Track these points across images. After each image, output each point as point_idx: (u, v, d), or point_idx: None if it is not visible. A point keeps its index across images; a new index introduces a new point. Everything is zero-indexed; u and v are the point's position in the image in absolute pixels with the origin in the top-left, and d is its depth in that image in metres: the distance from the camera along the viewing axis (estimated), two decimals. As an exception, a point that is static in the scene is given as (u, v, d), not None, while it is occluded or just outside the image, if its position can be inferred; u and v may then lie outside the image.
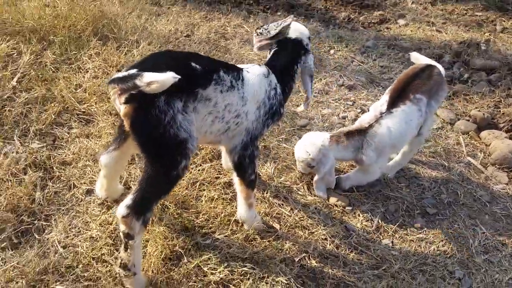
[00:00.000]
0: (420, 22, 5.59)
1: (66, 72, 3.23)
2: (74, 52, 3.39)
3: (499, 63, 4.53)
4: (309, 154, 2.63)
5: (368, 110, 3.62)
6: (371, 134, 2.68)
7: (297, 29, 2.42)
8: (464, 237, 2.66)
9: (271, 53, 2.41)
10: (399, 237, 2.61)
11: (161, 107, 1.76)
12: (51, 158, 2.65)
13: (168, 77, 1.68)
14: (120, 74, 1.75)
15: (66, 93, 3.01)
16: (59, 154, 2.68)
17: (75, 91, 3.08)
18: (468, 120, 3.77)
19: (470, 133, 3.65)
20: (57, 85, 3.08)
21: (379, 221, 2.69)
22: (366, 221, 2.68)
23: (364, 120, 2.78)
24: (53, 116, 2.88)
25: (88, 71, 3.27)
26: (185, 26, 4.55)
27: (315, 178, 2.75)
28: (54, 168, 2.60)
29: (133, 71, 1.75)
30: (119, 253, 2.01)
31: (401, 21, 5.62)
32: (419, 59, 3.07)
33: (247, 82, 2.13)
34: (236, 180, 2.31)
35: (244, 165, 2.23)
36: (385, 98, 2.80)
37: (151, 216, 1.96)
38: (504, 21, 5.79)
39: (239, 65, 2.25)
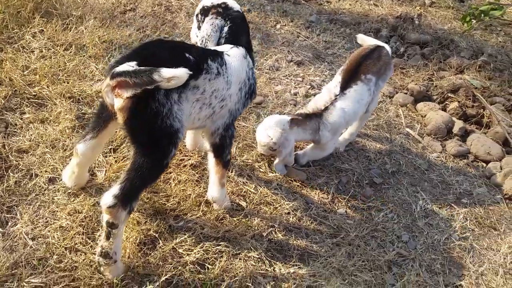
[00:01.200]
0: (358, -4, 5.81)
1: (11, 53, 3.03)
2: (16, 30, 3.17)
3: (431, 37, 4.90)
4: (272, 139, 2.72)
5: (318, 88, 3.83)
6: (327, 116, 2.85)
7: (233, 2, 2.46)
8: (408, 203, 2.97)
9: (227, 31, 2.42)
10: (351, 206, 2.86)
11: (160, 100, 1.79)
12: (6, 146, 2.53)
13: (183, 73, 1.71)
14: (127, 68, 1.72)
15: (14, 75, 2.84)
16: (14, 142, 2.57)
17: (23, 73, 2.92)
18: (406, 93, 4.09)
19: (407, 105, 3.97)
20: (2, 67, 2.90)
21: (334, 192, 2.91)
22: (323, 193, 2.89)
23: (319, 102, 2.92)
24: (2, 101, 2.73)
25: (34, 51, 3.09)
26: (128, -1, 4.37)
27: (276, 160, 2.89)
28: (10, 156, 2.50)
29: (133, 63, 1.74)
30: (98, 242, 2.02)
31: (341, -5, 5.80)
32: (366, 41, 3.26)
33: (229, 66, 2.19)
34: (212, 160, 2.38)
35: (224, 145, 2.32)
36: (337, 79, 2.96)
37: (136, 205, 1.99)
38: (432, -5, 6.18)
39: (215, 48, 2.28)
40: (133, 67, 1.73)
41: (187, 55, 1.96)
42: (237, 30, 2.39)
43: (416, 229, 2.78)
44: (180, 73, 1.72)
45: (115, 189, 1.88)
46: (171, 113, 1.85)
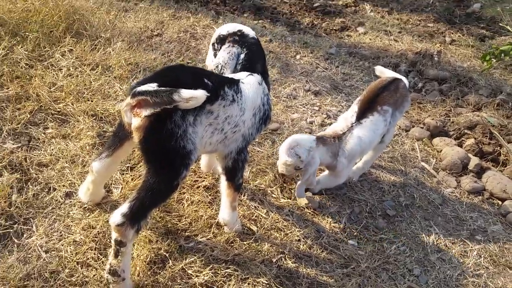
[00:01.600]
0: (378, 31, 5.91)
1: (40, 70, 3.17)
2: (46, 48, 3.33)
3: (450, 74, 4.92)
4: (299, 157, 2.68)
5: (334, 117, 3.87)
6: (345, 143, 2.88)
7: (248, 29, 2.54)
8: (420, 237, 2.94)
9: (243, 58, 2.49)
10: (363, 237, 2.84)
11: (176, 121, 1.85)
12: (27, 159, 2.62)
13: (202, 95, 1.79)
14: (147, 88, 1.79)
15: (41, 91, 2.97)
16: (35, 155, 2.66)
17: (49, 90, 3.04)
18: (422, 128, 4.09)
19: (423, 139, 3.97)
20: (31, 83, 3.03)
21: (346, 222, 2.90)
22: (334, 222, 2.88)
23: (336, 129, 2.96)
24: (27, 116, 2.84)
25: (62, 69, 3.23)
26: (155, 24, 4.55)
27: (300, 181, 2.85)
28: (31, 169, 2.58)
29: (154, 85, 1.81)
30: (108, 259, 2.05)
31: (361, 29, 5.92)
32: (384, 73, 3.31)
33: (244, 93, 2.25)
34: (224, 184, 2.41)
35: (237, 169, 2.35)
36: (354, 109, 3.01)
37: (145, 224, 2.02)
38: (452, 33, 6.25)
39: (232, 76, 2.35)
40: (153, 88, 1.81)
41: (205, 80, 2.02)
42: (253, 57, 2.46)
43: (428, 264, 2.74)
44: (199, 94, 1.79)
45: (124, 207, 1.91)
46: (186, 135, 1.90)
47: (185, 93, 1.76)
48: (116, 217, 1.90)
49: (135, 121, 1.84)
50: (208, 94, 1.82)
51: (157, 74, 2.01)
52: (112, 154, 2.20)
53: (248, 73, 2.41)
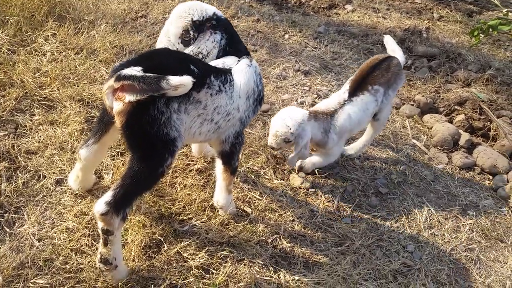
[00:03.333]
0: (366, 8, 5.85)
1: (23, 55, 3.08)
2: (29, 33, 3.23)
3: (439, 50, 4.91)
4: (290, 128, 2.65)
5: (325, 97, 3.84)
6: (335, 118, 2.86)
7: (214, 9, 2.37)
8: (413, 213, 2.96)
9: (225, 43, 2.37)
10: (357, 215, 2.85)
11: (160, 108, 1.80)
12: (15, 147, 2.56)
13: (189, 82, 1.73)
14: (133, 72, 1.73)
15: (25, 77, 2.89)
16: (23, 143, 2.60)
17: (34, 76, 2.96)
18: (412, 105, 4.09)
19: (414, 117, 3.97)
20: (15, 69, 2.94)
21: (339, 201, 2.91)
22: (328, 201, 2.89)
23: (328, 105, 2.94)
24: (13, 102, 2.77)
25: (45, 54, 3.14)
26: (139, 6, 4.44)
27: (292, 154, 2.81)
28: (19, 157, 2.53)
29: (138, 69, 1.75)
30: (98, 248, 2.03)
31: (349, 7, 5.85)
32: (388, 43, 3.29)
33: (236, 81, 2.20)
34: (220, 167, 2.38)
35: (234, 152, 2.32)
36: (346, 87, 2.99)
37: (130, 211, 1.99)
38: (440, 9, 6.21)
39: (219, 60, 2.28)
40: (138, 72, 1.74)
41: (192, 67, 1.96)
42: (234, 40, 2.39)
43: (421, 240, 2.77)
44: (186, 81, 1.74)
45: (108, 195, 1.86)
46: (169, 122, 1.85)
47: (174, 80, 1.70)
48: (100, 205, 1.85)
49: (117, 105, 1.78)
50: (194, 80, 1.77)
51: (141, 57, 1.94)
52: (99, 140, 2.14)
53: (236, 58, 2.35)
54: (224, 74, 2.17)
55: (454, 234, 2.86)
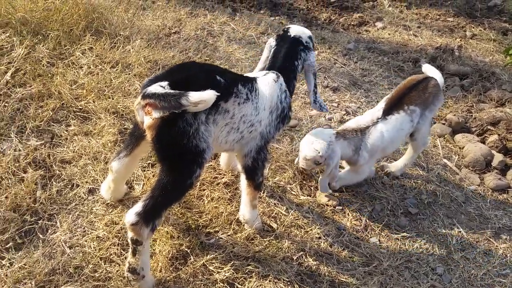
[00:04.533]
0: (396, 26, 5.82)
1: (61, 68, 3.20)
2: (67, 47, 3.36)
3: (471, 69, 4.82)
4: (318, 152, 2.65)
5: (353, 114, 3.83)
6: (368, 137, 2.84)
7: (297, 29, 2.56)
8: (443, 235, 2.89)
9: (271, 53, 2.51)
10: (385, 235, 2.80)
11: (188, 120, 1.84)
12: (51, 156, 2.65)
13: (211, 96, 1.75)
14: (158, 90, 1.77)
15: (62, 89, 3.00)
16: (58, 152, 2.69)
17: (71, 88, 3.07)
18: (444, 124, 4.02)
19: (445, 136, 3.90)
20: (53, 80, 3.06)
21: (367, 220, 2.87)
22: (355, 220, 2.85)
23: (360, 122, 2.93)
24: (50, 113, 2.87)
25: (82, 67, 3.26)
26: (172, 22, 4.56)
27: (322, 176, 2.81)
28: (54, 166, 2.61)
29: (165, 84, 1.80)
30: (127, 257, 2.06)
31: (379, 24, 5.84)
32: (427, 70, 3.27)
33: (261, 92, 2.23)
34: (244, 182, 2.40)
35: (256, 168, 2.33)
36: (381, 105, 2.98)
37: (160, 223, 2.01)
38: (473, 27, 6.12)
39: (249, 74, 2.34)
40: (164, 87, 1.78)
41: (218, 78, 2.00)
42: (277, 53, 2.45)
43: (451, 262, 2.69)
44: (208, 96, 1.75)
45: (138, 206, 1.90)
46: (198, 134, 1.88)
47: (193, 97, 1.72)
48: (130, 216, 1.89)
49: (147, 119, 1.83)
50: (218, 94, 1.78)
51: (168, 72, 1.99)
52: (131, 153, 2.20)
53: (265, 71, 2.40)
54: (251, 82, 2.20)
55: (486, 258, 2.77)
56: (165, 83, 1.81)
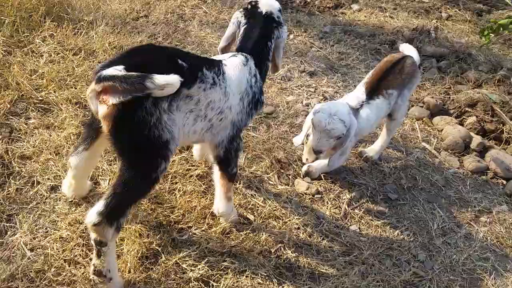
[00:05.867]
0: (372, 8, 5.72)
1: (19, 56, 2.99)
2: (26, 34, 3.13)
3: (448, 51, 4.77)
4: (344, 122, 2.48)
5: (331, 99, 3.73)
6: (358, 117, 2.76)
7: (266, 3, 2.35)
8: (424, 220, 2.83)
9: (241, 32, 2.33)
10: (365, 222, 2.73)
11: (148, 109, 1.67)
12: (9, 152, 2.46)
13: (177, 81, 1.60)
14: (114, 72, 1.60)
15: (21, 79, 2.79)
16: (17, 148, 2.50)
17: (30, 78, 2.86)
18: (422, 107, 3.96)
19: (423, 119, 3.84)
20: (10, 70, 2.85)
21: (346, 208, 2.78)
22: (334, 208, 2.76)
23: (352, 102, 2.82)
24: (8, 105, 2.67)
25: (43, 55, 3.05)
26: (141, 6, 4.34)
27: (337, 150, 2.65)
28: (13, 162, 2.43)
29: (120, 67, 1.62)
30: (91, 259, 1.92)
31: (355, 6, 5.72)
32: (405, 49, 3.19)
33: (228, 75, 2.07)
34: (217, 174, 2.26)
35: (229, 159, 2.19)
36: (362, 88, 2.90)
37: (124, 221, 1.87)
38: (448, 8, 6.07)
39: (215, 57, 2.19)
40: (120, 71, 1.61)
41: (180, 61, 1.83)
42: (248, 34, 2.28)
43: (433, 248, 2.64)
44: (173, 80, 1.60)
45: (100, 205, 1.75)
46: (160, 123, 1.72)
47: (160, 79, 1.57)
48: (91, 216, 1.74)
49: (102, 109, 1.66)
50: (182, 79, 1.63)
51: (124, 55, 1.80)
52: (89, 147, 2.02)
53: (232, 54, 2.23)
54: (217, 66, 2.04)
55: (468, 242, 2.73)
56: (120, 67, 1.63)
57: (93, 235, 1.78)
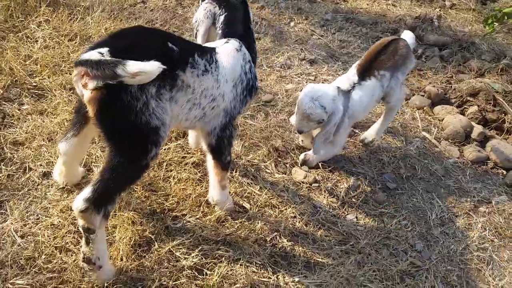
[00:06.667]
0: (375, -5, 5.63)
1: (13, 42, 2.94)
2: (20, 19, 3.08)
3: (450, 39, 4.70)
4: (325, 108, 2.48)
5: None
6: (350, 100, 2.72)
7: None
8: (422, 210, 2.79)
9: (223, 21, 2.28)
10: (362, 212, 2.69)
11: (133, 93, 1.61)
12: (1, 137, 2.43)
13: (155, 68, 1.50)
14: (92, 57, 1.54)
15: (14, 65, 2.74)
16: (10, 133, 2.47)
17: (24, 63, 2.82)
18: (423, 96, 3.90)
19: (424, 108, 3.79)
20: (3, 56, 2.80)
21: (344, 197, 2.75)
22: (332, 197, 2.73)
23: (343, 84, 2.79)
24: (1, 91, 2.63)
25: (37, 41, 3.00)
26: (139, -8, 4.27)
27: (320, 132, 2.63)
28: (5, 148, 2.40)
29: (104, 50, 1.57)
30: (81, 247, 1.89)
31: (357, -7, 5.63)
32: (403, 34, 3.15)
33: (220, 63, 2.02)
34: (210, 162, 2.22)
35: (222, 147, 2.15)
36: (353, 71, 2.86)
37: (113, 208, 1.83)
38: (452, -4, 5.97)
39: (209, 44, 2.14)
40: (103, 54, 1.55)
41: (170, 44, 1.76)
42: (233, 19, 2.22)
43: (431, 238, 2.60)
44: (150, 68, 1.50)
45: (87, 191, 1.70)
46: (147, 109, 1.65)
47: (132, 66, 1.48)
48: (78, 202, 1.69)
49: (86, 93, 1.60)
50: (164, 67, 1.53)
51: (111, 37, 1.73)
52: (79, 133, 1.97)
53: (225, 40, 2.18)
54: (209, 53, 1.98)
55: (466, 233, 2.69)
56: (104, 50, 1.57)
57: (80, 222, 1.74)
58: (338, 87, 2.70)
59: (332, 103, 2.52)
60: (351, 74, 2.83)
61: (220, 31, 2.25)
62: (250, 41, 2.27)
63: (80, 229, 1.77)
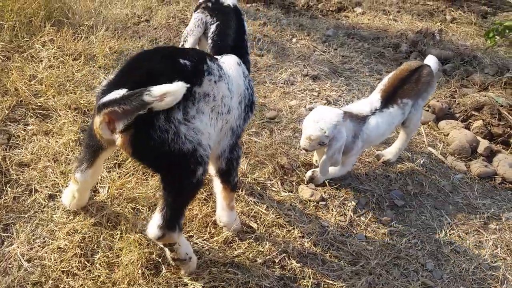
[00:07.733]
0: (376, 11, 5.68)
1: (18, 61, 2.93)
2: (25, 39, 3.08)
3: (453, 53, 4.72)
4: (324, 132, 2.50)
5: (335, 103, 3.67)
6: (366, 125, 2.73)
7: None
8: (432, 228, 2.76)
9: (214, 31, 2.23)
10: (371, 230, 2.66)
11: (161, 127, 1.56)
12: (7, 159, 2.41)
13: (180, 87, 1.45)
14: (114, 96, 1.48)
15: (20, 85, 2.74)
16: (15, 155, 2.44)
17: (29, 83, 2.81)
18: (427, 111, 3.90)
19: (429, 123, 3.78)
20: (8, 76, 2.79)
21: (352, 215, 2.71)
22: (340, 215, 2.69)
23: (361, 109, 2.80)
24: (6, 111, 2.61)
25: (42, 60, 2.99)
26: (142, 10, 4.30)
27: (324, 157, 2.63)
28: (11, 170, 2.37)
29: (123, 91, 1.50)
30: (166, 254, 2.01)
31: (358, 9, 5.68)
32: (427, 60, 3.17)
33: (227, 74, 1.95)
34: (219, 186, 2.18)
35: (231, 169, 2.11)
36: (377, 96, 2.87)
37: (184, 218, 1.88)
38: (453, 11, 6.03)
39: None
40: (120, 94, 1.49)
41: (182, 61, 1.71)
42: (225, 31, 2.16)
43: (441, 257, 2.56)
44: (175, 88, 1.45)
45: (157, 218, 1.76)
46: (179, 137, 1.60)
47: (157, 90, 1.42)
48: (154, 231, 1.77)
49: (117, 138, 1.56)
50: (188, 85, 1.49)
51: (122, 74, 1.68)
52: (93, 165, 1.96)
53: (223, 54, 2.13)
54: (216, 60, 1.94)
55: (477, 251, 2.65)
56: (123, 91, 1.50)
57: (161, 244, 1.88)
58: (346, 112, 2.68)
59: (333, 128, 2.52)
60: (375, 99, 2.84)
61: (210, 41, 2.20)
62: (243, 52, 2.22)
63: (162, 246, 1.93)
